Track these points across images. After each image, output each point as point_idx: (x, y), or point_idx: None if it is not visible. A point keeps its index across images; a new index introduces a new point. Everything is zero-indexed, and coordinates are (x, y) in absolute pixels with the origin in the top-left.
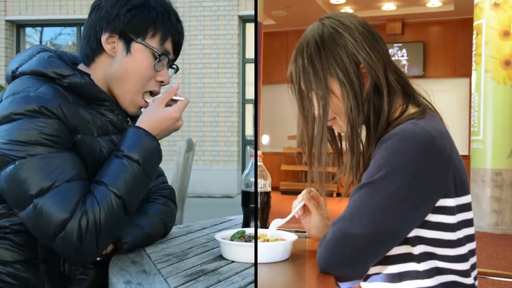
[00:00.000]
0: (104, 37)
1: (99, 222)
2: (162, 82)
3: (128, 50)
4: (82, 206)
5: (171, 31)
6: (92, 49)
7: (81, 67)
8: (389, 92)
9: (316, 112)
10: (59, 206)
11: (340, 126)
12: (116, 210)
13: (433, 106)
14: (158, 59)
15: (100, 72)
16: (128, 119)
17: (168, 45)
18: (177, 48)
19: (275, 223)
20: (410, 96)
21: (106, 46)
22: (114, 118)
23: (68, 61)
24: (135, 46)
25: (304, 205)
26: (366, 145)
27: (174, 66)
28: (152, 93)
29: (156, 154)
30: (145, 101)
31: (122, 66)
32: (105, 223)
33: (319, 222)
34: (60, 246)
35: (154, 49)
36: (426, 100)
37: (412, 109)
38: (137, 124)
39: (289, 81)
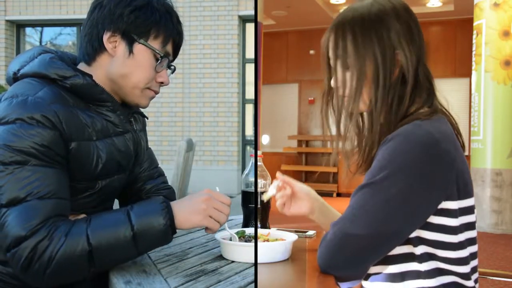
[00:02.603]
0: (106, 36)
1: (55, 254)
2: (162, 83)
3: (130, 50)
4: (50, 227)
5: (173, 33)
6: (94, 48)
7: (82, 66)
8: (415, 86)
9: (348, 84)
10: (20, 222)
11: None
12: (77, 253)
13: (447, 111)
14: (159, 61)
15: (102, 71)
16: (132, 119)
17: (169, 47)
18: (176, 50)
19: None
20: (430, 95)
21: (108, 45)
22: (115, 119)
23: (69, 62)
24: (138, 47)
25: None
26: (386, 127)
27: (172, 66)
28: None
29: (155, 234)
30: (154, 91)
31: (125, 66)
32: (60, 260)
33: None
34: (10, 261)
35: (156, 51)
36: (443, 106)
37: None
38: (173, 202)
39: (322, 48)
